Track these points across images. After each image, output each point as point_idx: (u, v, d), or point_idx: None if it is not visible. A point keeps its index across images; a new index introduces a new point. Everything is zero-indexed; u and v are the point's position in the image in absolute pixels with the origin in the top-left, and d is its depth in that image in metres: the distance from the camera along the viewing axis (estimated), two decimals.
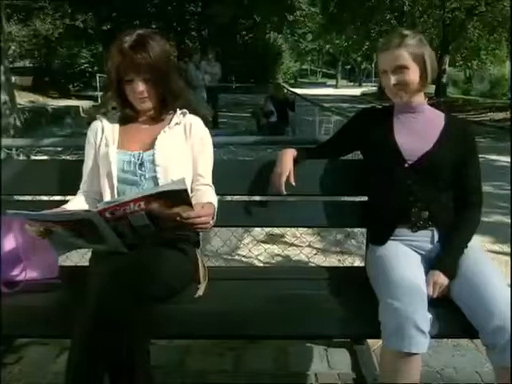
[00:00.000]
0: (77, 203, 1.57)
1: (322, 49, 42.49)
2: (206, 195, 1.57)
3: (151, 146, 1.56)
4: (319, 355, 1.97)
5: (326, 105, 7.88)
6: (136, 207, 1.26)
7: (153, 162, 1.53)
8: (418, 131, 1.57)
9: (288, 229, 3.27)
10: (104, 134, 1.60)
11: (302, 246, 3.20)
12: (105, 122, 1.63)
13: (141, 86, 1.50)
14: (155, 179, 1.53)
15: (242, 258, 3.10)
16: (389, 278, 1.38)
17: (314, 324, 1.36)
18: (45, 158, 2.67)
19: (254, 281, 1.64)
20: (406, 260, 1.46)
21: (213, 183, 1.65)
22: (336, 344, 2.03)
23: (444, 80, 20.94)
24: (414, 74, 1.51)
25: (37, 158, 2.92)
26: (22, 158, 3.47)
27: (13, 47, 17.36)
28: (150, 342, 1.31)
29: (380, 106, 1.76)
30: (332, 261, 3.08)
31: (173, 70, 1.57)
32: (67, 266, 1.90)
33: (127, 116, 1.62)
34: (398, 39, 1.51)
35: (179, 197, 1.27)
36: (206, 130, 1.68)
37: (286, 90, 11.65)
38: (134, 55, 1.45)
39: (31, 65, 20.88)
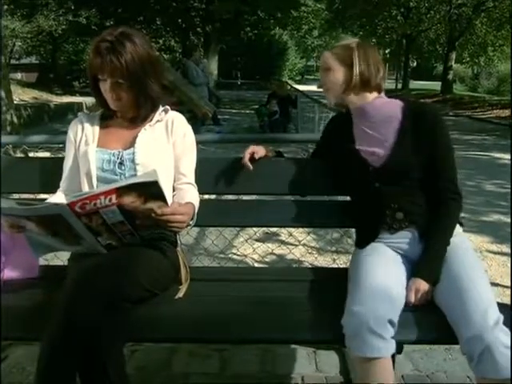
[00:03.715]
0: (55, 201, 1.54)
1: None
2: (187, 194, 1.54)
3: (131, 144, 1.52)
4: (307, 357, 1.94)
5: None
6: (107, 201, 1.22)
7: (133, 160, 1.50)
8: (375, 133, 1.51)
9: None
10: (84, 132, 1.57)
11: (297, 244, 3.17)
12: (85, 119, 1.60)
13: (111, 89, 1.45)
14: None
15: (235, 257, 3.07)
16: (357, 282, 1.34)
17: (288, 328, 1.31)
18: (32, 154, 2.63)
19: (236, 282, 1.60)
20: (381, 263, 1.40)
21: (205, 182, 1.61)
22: (325, 346, 1.99)
23: (450, 77, 20.80)
24: (337, 75, 1.51)
25: (32, 155, 2.90)
26: (18, 155, 3.46)
27: (18, 43, 17.43)
28: (125, 344, 1.28)
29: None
30: (327, 260, 3.05)
31: (151, 74, 1.49)
32: (52, 265, 1.88)
33: (107, 114, 1.58)
34: None
35: (151, 190, 1.23)
36: (189, 127, 1.64)
37: (289, 87, 11.59)
38: (106, 57, 1.40)
39: (37, 61, 20.98)
